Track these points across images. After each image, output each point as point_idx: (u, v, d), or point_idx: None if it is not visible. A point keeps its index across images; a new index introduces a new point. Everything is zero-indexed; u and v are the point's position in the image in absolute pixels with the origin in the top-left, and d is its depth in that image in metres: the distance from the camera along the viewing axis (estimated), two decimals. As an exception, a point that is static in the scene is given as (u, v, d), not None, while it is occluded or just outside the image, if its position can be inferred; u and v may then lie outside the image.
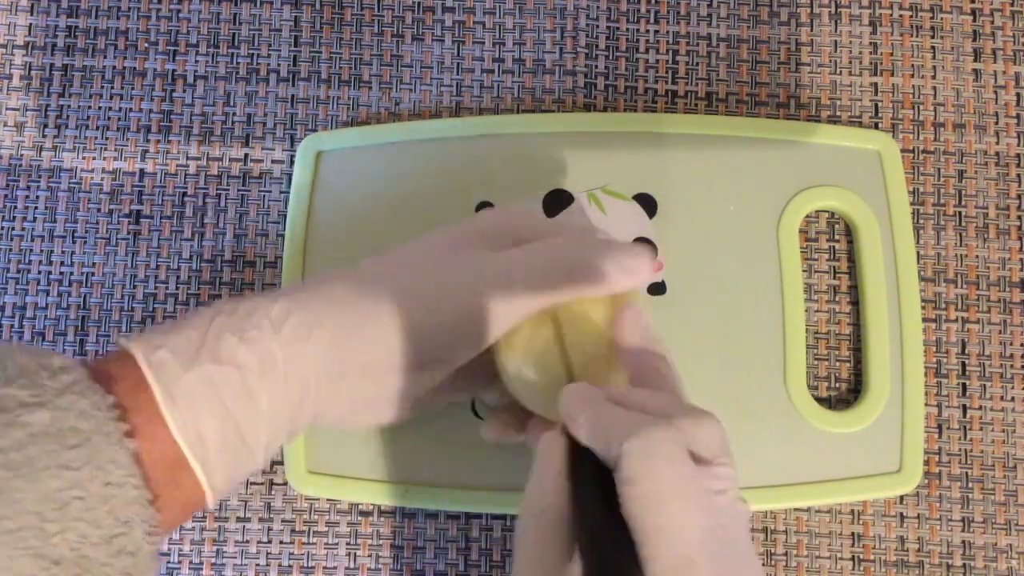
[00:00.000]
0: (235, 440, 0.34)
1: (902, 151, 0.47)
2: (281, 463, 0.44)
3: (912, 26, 0.48)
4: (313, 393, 0.35)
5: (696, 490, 0.29)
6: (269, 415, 0.34)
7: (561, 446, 0.32)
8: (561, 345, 0.36)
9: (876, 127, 0.48)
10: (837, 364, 0.46)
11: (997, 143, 0.48)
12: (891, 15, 0.49)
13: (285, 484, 0.44)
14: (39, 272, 0.46)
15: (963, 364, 0.46)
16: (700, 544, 0.28)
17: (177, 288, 0.46)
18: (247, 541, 0.44)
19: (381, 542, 0.44)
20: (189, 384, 0.33)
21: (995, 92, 0.48)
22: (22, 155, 0.47)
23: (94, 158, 0.47)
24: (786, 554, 0.44)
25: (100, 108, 0.47)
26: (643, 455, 0.29)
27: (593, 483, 0.30)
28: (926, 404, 0.45)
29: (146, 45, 0.48)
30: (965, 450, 0.45)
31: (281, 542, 0.44)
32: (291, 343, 0.34)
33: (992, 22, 0.48)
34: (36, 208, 0.47)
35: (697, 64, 0.48)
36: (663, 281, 0.45)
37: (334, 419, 0.37)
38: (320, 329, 0.35)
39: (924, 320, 0.46)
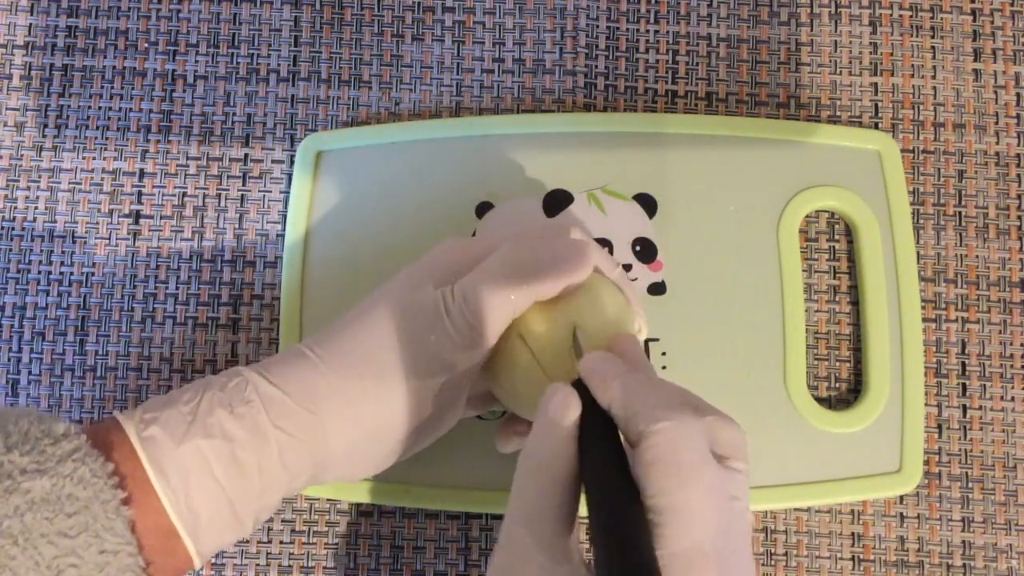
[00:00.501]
0: (226, 513, 0.34)
1: (902, 151, 0.47)
2: (281, 463, 0.44)
3: (912, 26, 0.48)
4: (314, 465, 0.36)
5: (717, 487, 0.29)
6: (260, 487, 0.35)
7: (578, 403, 0.31)
8: (535, 358, 0.36)
9: (876, 127, 0.48)
10: (837, 364, 0.46)
11: (997, 143, 0.48)
12: (891, 15, 0.49)
13: (285, 484, 0.44)
14: (39, 272, 0.46)
15: (963, 364, 0.46)
16: (713, 537, 0.28)
17: (177, 288, 0.46)
18: (247, 541, 0.44)
19: (381, 542, 0.44)
20: (180, 458, 0.33)
21: (995, 92, 0.48)
22: (22, 155, 0.47)
23: (94, 158, 0.47)
24: (786, 554, 0.44)
25: (100, 108, 0.47)
26: (676, 436, 0.29)
27: (606, 447, 0.30)
28: (926, 404, 0.45)
29: (146, 45, 0.48)
30: (965, 450, 0.45)
31: (281, 542, 0.44)
32: (287, 414, 0.35)
33: (992, 22, 0.48)
34: (36, 208, 0.47)
35: (697, 64, 0.48)
36: (663, 281, 0.45)
37: (339, 479, 0.38)
38: (336, 407, 0.35)
39: (924, 320, 0.46)
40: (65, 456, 0.32)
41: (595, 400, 0.32)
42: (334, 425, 0.35)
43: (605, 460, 0.30)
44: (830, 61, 0.48)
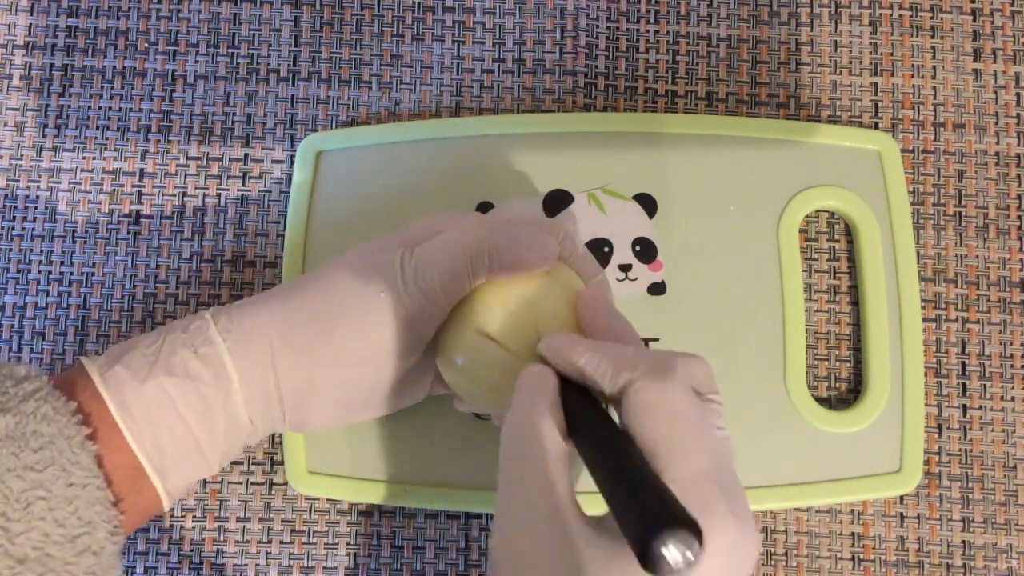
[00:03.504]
0: (192, 450, 0.35)
1: (902, 151, 0.47)
2: (281, 463, 0.44)
3: (912, 26, 0.48)
4: (288, 403, 0.36)
5: (703, 420, 0.31)
6: (226, 423, 0.35)
7: (554, 379, 0.32)
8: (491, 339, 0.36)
9: (876, 127, 0.48)
10: (837, 364, 0.46)
11: (997, 143, 0.48)
12: (891, 15, 0.49)
13: (285, 484, 0.44)
14: (39, 272, 0.46)
15: (963, 364, 0.46)
16: (709, 463, 0.29)
17: (177, 288, 0.46)
18: (247, 541, 0.44)
19: (381, 542, 0.44)
20: (144, 397, 0.34)
21: (995, 92, 0.48)
22: (22, 155, 0.47)
23: (94, 158, 0.47)
24: (786, 554, 0.44)
25: (100, 108, 0.47)
26: (660, 380, 0.30)
27: (588, 406, 0.31)
28: (926, 404, 0.45)
29: (146, 45, 0.48)
30: (965, 450, 0.45)
31: (281, 542, 0.44)
32: (247, 355, 0.35)
33: (992, 22, 0.48)
34: (36, 208, 0.47)
35: (697, 64, 0.48)
36: (663, 281, 0.45)
37: (320, 425, 0.38)
38: (281, 341, 0.36)
39: (924, 320, 0.46)
40: (27, 395, 0.32)
41: (563, 376, 0.33)
42: (286, 370, 0.36)
43: (593, 416, 0.31)
44: (830, 61, 0.48)
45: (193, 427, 0.35)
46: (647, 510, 0.26)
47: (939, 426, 0.45)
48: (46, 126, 0.47)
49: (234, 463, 0.45)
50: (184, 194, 0.47)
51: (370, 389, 0.37)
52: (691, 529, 0.25)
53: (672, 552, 0.25)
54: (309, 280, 0.38)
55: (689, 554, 0.25)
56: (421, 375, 0.39)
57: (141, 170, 0.47)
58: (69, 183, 0.47)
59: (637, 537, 0.25)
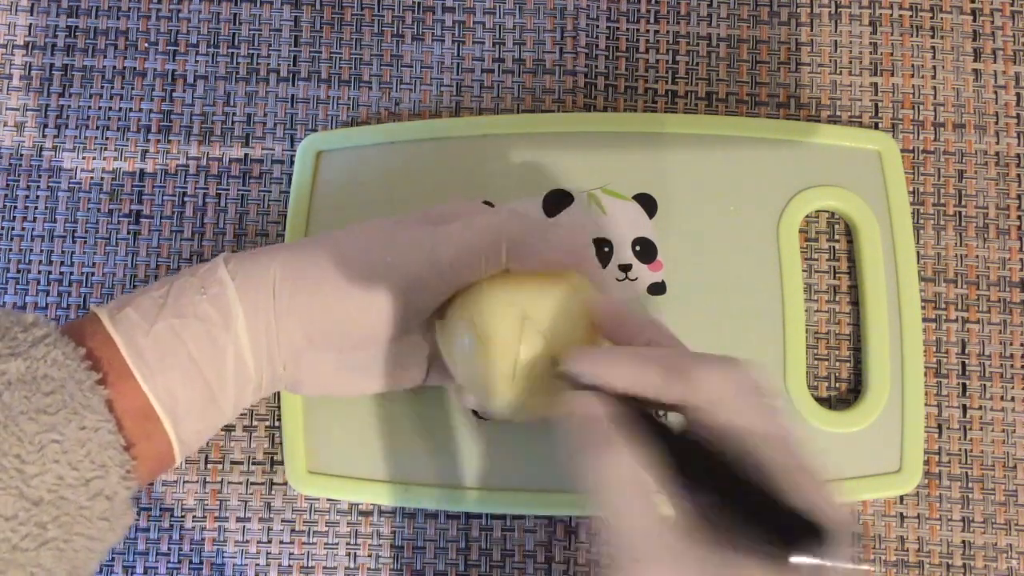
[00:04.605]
0: (203, 393, 0.35)
1: (902, 151, 0.47)
2: (281, 463, 0.44)
3: (912, 26, 0.49)
4: (287, 354, 0.36)
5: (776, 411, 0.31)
6: (235, 367, 0.35)
7: (604, 407, 0.31)
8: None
9: (876, 127, 0.48)
10: (837, 364, 0.46)
11: (997, 143, 0.48)
12: (891, 15, 0.49)
13: (285, 484, 0.44)
14: (39, 272, 0.46)
15: (963, 364, 0.46)
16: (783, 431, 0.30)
17: (177, 288, 0.46)
18: (247, 541, 0.44)
19: (381, 542, 0.44)
20: (154, 337, 0.34)
21: (995, 92, 0.48)
22: (22, 155, 0.47)
23: (94, 158, 0.47)
24: (786, 554, 0.44)
25: (100, 108, 0.47)
26: (735, 372, 0.30)
27: (645, 416, 0.31)
28: (926, 404, 0.45)
29: (146, 45, 0.48)
30: (965, 450, 0.45)
31: (281, 542, 0.44)
32: (252, 298, 0.35)
33: (992, 22, 0.48)
34: (36, 208, 0.47)
35: (697, 64, 0.48)
36: (663, 281, 0.45)
37: (319, 388, 0.38)
38: (284, 288, 0.36)
39: (924, 320, 0.46)
40: (37, 341, 0.32)
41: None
42: (285, 317, 0.36)
43: (656, 430, 0.31)
44: (830, 61, 0.48)
45: (204, 369, 0.35)
46: (780, 522, 0.27)
47: (939, 426, 0.45)
48: (46, 126, 0.47)
49: (234, 463, 0.45)
50: (184, 194, 0.47)
51: (364, 352, 0.37)
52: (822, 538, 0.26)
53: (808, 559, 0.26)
54: (323, 237, 0.38)
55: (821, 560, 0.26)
56: (418, 354, 0.39)
57: (141, 170, 0.47)
58: (69, 183, 0.47)
59: (773, 550, 0.26)
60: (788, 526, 0.27)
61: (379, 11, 0.48)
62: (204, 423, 0.36)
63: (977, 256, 0.47)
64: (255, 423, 0.45)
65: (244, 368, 0.36)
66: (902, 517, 0.45)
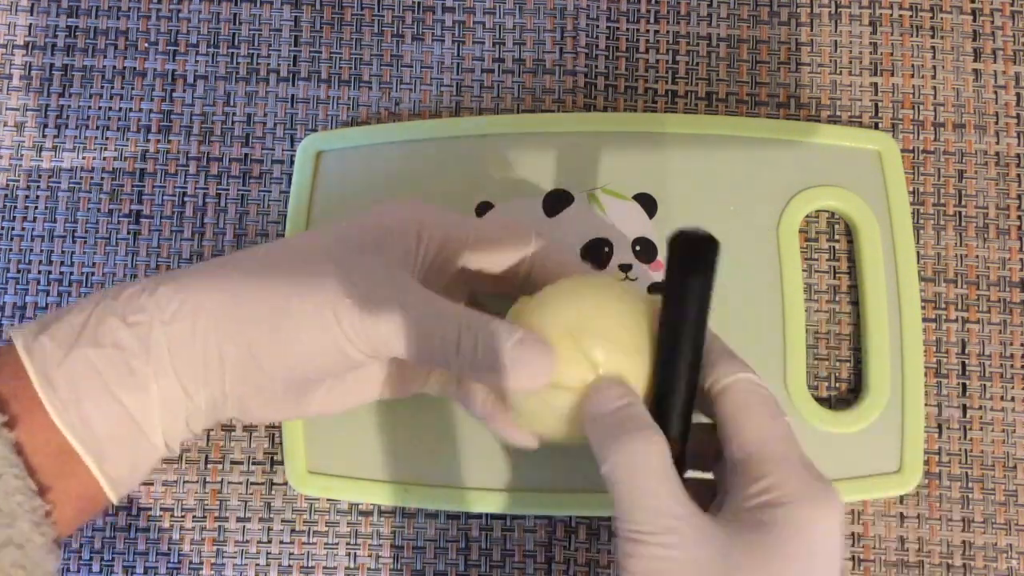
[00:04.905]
0: (127, 425, 0.33)
1: (902, 151, 0.47)
2: (281, 463, 0.44)
3: (912, 26, 0.48)
4: (225, 382, 0.34)
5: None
6: (161, 399, 0.33)
7: (666, 449, 0.31)
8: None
9: (876, 127, 0.48)
10: (837, 364, 0.46)
11: (997, 143, 0.48)
12: (891, 15, 0.49)
13: (285, 484, 0.44)
14: (39, 272, 0.46)
15: (963, 364, 0.46)
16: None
17: (177, 288, 0.46)
18: (247, 541, 0.44)
19: (381, 542, 0.44)
20: (69, 368, 0.32)
21: (995, 92, 0.48)
22: (22, 155, 0.47)
23: (94, 158, 0.47)
24: (786, 554, 0.44)
25: (100, 108, 0.47)
26: (746, 382, 0.33)
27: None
28: (926, 404, 0.45)
29: (146, 45, 0.48)
30: (965, 450, 0.45)
31: (281, 542, 0.44)
32: (182, 326, 0.33)
33: (992, 22, 0.48)
34: (36, 208, 0.47)
35: (697, 64, 0.48)
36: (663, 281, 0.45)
37: (269, 413, 0.36)
38: (222, 312, 0.33)
39: (924, 320, 0.46)
40: None
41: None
42: (226, 343, 0.33)
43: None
44: (830, 61, 0.48)
45: (125, 401, 0.32)
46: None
47: (939, 426, 0.45)
48: (46, 126, 0.47)
49: (234, 463, 0.45)
50: (184, 194, 0.47)
51: (316, 376, 0.35)
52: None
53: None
54: (261, 251, 0.35)
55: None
56: (374, 376, 0.38)
57: (141, 170, 0.47)
58: (69, 183, 0.47)
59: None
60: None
61: (379, 11, 0.48)
62: (136, 458, 0.34)
63: (977, 256, 0.47)
64: (255, 423, 0.45)
65: (172, 398, 0.33)
66: (902, 517, 0.45)
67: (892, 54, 0.48)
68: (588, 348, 0.32)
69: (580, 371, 0.32)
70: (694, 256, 0.31)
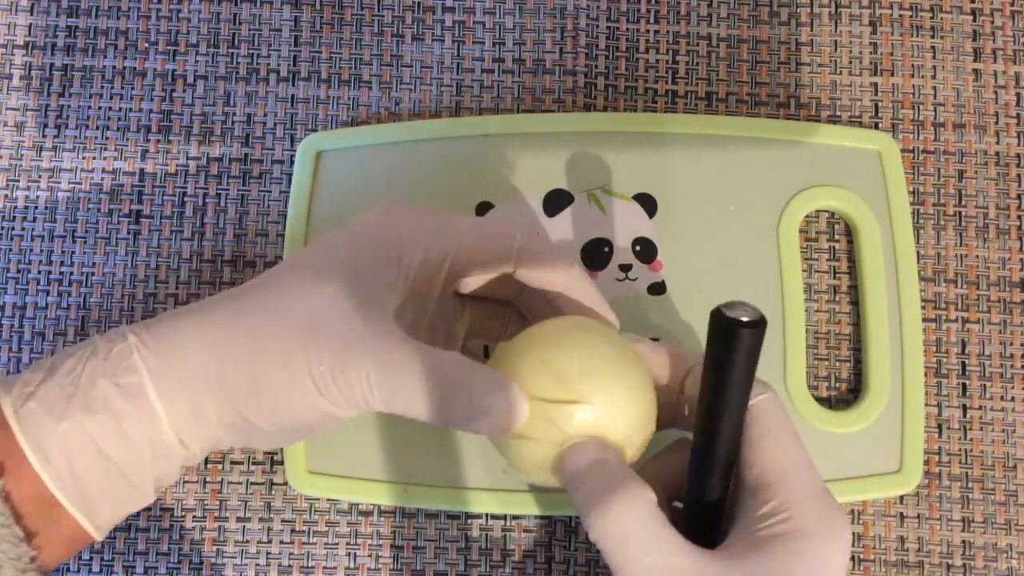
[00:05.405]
0: (119, 483, 0.33)
1: (902, 151, 0.47)
2: (281, 463, 0.44)
3: (912, 26, 0.48)
4: (219, 431, 0.34)
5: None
6: (155, 454, 0.34)
7: (653, 498, 0.31)
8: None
9: (876, 127, 0.48)
10: (837, 364, 0.46)
11: (997, 143, 0.48)
12: (891, 15, 0.49)
13: (285, 484, 0.44)
14: (39, 272, 0.46)
15: (963, 364, 0.46)
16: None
17: (177, 288, 0.46)
18: (247, 541, 0.44)
19: (381, 542, 0.44)
20: (61, 436, 0.32)
21: (995, 92, 0.48)
22: (22, 155, 0.47)
23: (94, 158, 0.47)
24: (786, 554, 0.44)
25: (100, 108, 0.47)
26: (771, 403, 0.33)
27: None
28: (926, 404, 0.45)
29: (146, 45, 0.48)
30: (965, 450, 0.45)
31: (281, 542, 0.44)
32: (173, 384, 0.33)
33: (992, 22, 0.48)
34: (36, 208, 0.47)
35: (697, 64, 0.48)
36: (663, 281, 0.45)
37: (267, 446, 0.37)
38: (210, 369, 0.33)
39: (924, 320, 0.46)
40: None
41: None
42: (218, 401, 0.33)
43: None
44: (830, 61, 0.48)
45: (118, 462, 0.33)
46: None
47: (939, 426, 0.45)
48: (46, 126, 0.47)
49: (234, 463, 0.45)
50: (184, 194, 0.47)
51: (308, 425, 0.35)
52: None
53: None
54: (238, 303, 0.35)
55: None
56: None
57: (141, 170, 0.47)
58: (69, 183, 0.47)
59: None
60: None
61: (379, 11, 0.48)
62: (124, 507, 0.34)
63: (977, 256, 0.47)
64: (255, 423, 0.45)
65: (166, 451, 0.34)
66: (902, 517, 0.45)
67: (892, 54, 0.48)
68: (565, 406, 0.32)
69: (553, 430, 0.32)
70: (735, 344, 0.29)
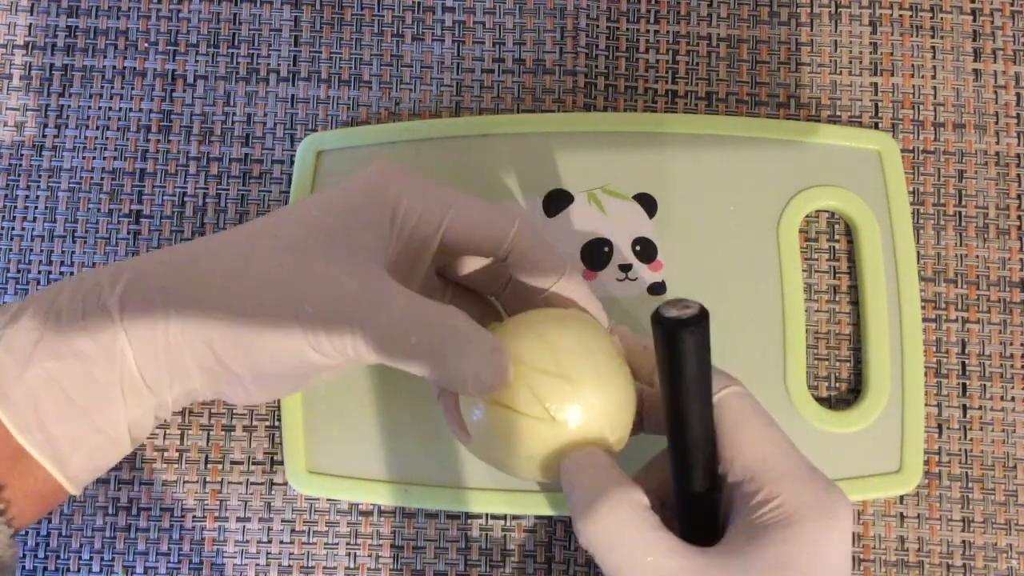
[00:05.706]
0: (87, 428, 0.32)
1: (902, 151, 0.47)
2: (281, 463, 0.44)
3: (912, 26, 0.48)
4: (195, 373, 0.33)
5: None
6: (127, 399, 0.32)
7: (644, 499, 0.31)
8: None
9: (876, 127, 0.48)
10: (837, 364, 0.46)
11: (997, 143, 0.48)
12: (891, 15, 0.49)
13: (285, 484, 0.44)
14: (39, 272, 0.46)
15: (963, 364, 0.46)
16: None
17: (177, 288, 0.46)
18: (247, 541, 0.44)
19: (381, 542, 0.44)
20: (26, 384, 0.31)
21: (995, 92, 0.48)
22: (22, 155, 0.47)
23: (94, 158, 0.47)
24: (786, 554, 0.44)
25: (100, 108, 0.47)
26: (739, 396, 0.33)
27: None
28: (926, 404, 0.45)
29: (146, 45, 0.48)
30: (965, 450, 0.45)
31: (281, 542, 0.44)
32: (142, 323, 0.32)
33: (992, 22, 0.48)
34: (36, 208, 0.47)
35: (697, 64, 0.48)
36: (663, 281, 0.45)
37: (245, 397, 0.35)
38: (182, 304, 0.32)
39: (924, 320, 0.46)
40: None
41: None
42: (189, 338, 0.32)
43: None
44: (830, 61, 0.48)
45: (87, 408, 0.32)
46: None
47: (939, 426, 0.45)
48: (46, 126, 0.47)
49: (234, 463, 0.45)
50: (184, 194, 0.47)
51: (291, 374, 0.34)
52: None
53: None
54: (220, 246, 0.34)
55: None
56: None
57: (141, 170, 0.47)
58: (69, 183, 0.47)
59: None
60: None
61: (379, 11, 0.48)
62: (99, 459, 0.33)
63: (977, 256, 0.47)
64: (255, 423, 0.45)
65: (138, 397, 0.33)
66: (902, 517, 0.45)
67: (892, 54, 0.48)
68: (552, 387, 0.32)
69: (533, 403, 0.32)
70: (679, 346, 0.29)
